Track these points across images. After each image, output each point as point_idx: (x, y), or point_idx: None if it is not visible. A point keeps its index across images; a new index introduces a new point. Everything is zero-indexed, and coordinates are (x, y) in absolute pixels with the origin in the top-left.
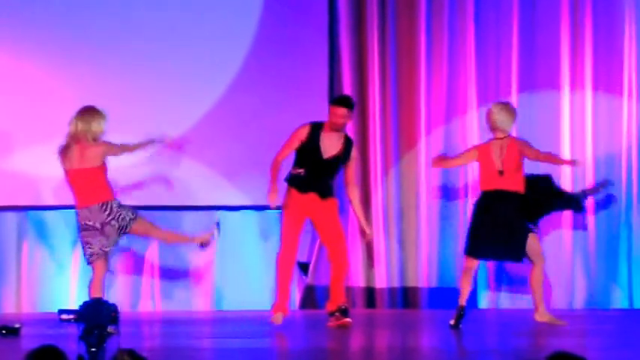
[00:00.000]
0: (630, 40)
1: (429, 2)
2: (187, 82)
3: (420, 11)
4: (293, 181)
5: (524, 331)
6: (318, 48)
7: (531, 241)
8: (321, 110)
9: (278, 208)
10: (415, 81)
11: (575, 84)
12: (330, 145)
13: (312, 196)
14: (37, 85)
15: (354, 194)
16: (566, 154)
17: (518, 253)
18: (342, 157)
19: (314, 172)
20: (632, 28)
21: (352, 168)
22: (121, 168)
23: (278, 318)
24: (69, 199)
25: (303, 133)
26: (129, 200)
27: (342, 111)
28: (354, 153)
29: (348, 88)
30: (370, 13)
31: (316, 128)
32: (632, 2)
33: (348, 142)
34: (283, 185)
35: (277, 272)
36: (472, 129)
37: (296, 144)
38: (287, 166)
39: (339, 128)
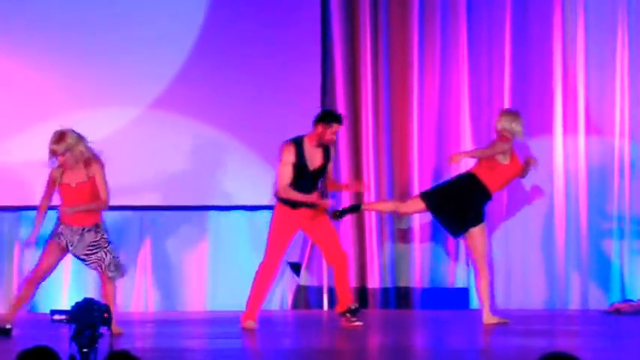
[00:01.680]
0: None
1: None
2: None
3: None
4: (284, 198)
5: (516, 331)
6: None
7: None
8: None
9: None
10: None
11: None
12: (314, 157)
13: (303, 210)
14: (30, 84)
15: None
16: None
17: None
18: (326, 165)
19: (302, 186)
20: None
21: (330, 167)
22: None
23: (250, 325)
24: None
25: (291, 150)
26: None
27: (337, 127)
28: (332, 153)
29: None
30: (363, 22)
31: (299, 144)
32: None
33: (327, 148)
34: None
35: (255, 281)
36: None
37: (291, 162)
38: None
39: (330, 144)
